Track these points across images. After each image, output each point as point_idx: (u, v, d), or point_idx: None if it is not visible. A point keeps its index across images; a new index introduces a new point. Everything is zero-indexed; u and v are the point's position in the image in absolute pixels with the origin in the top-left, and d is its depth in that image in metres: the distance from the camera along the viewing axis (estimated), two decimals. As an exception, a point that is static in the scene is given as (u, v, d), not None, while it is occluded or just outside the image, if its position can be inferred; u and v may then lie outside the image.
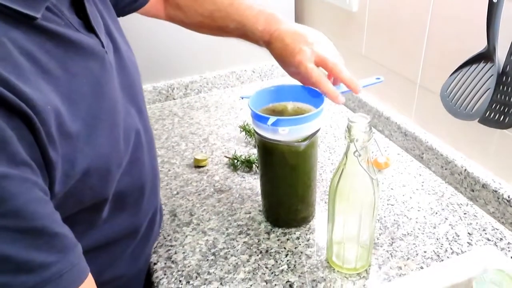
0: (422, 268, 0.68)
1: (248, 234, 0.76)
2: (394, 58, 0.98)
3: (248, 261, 0.71)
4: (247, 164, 0.93)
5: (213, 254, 0.72)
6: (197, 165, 0.96)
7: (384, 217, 0.79)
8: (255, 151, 0.99)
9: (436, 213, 0.79)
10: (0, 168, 0.36)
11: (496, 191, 0.76)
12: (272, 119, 0.63)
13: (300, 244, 0.74)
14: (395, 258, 0.70)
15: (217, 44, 1.23)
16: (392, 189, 0.86)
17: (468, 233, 0.75)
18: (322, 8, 1.24)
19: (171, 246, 0.75)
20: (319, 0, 1.24)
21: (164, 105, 1.26)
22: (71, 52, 0.46)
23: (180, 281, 0.68)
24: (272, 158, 0.71)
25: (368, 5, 1.03)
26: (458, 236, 0.74)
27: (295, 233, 0.76)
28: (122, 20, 0.66)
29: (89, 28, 0.51)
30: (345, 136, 0.57)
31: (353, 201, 0.61)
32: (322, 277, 0.67)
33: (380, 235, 0.75)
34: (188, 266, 0.70)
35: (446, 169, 0.87)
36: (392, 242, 0.73)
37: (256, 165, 0.93)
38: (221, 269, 0.69)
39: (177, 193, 0.88)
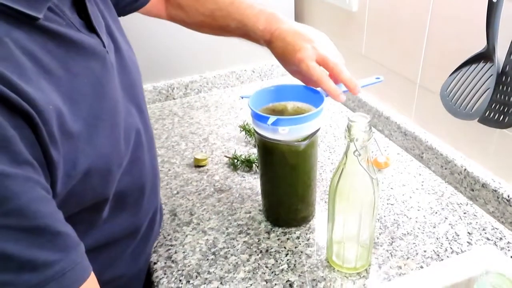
0: (422, 267, 0.68)
1: (248, 234, 0.76)
2: (394, 58, 0.98)
3: (248, 260, 0.71)
4: (247, 164, 0.93)
5: (213, 253, 0.73)
6: (197, 164, 0.96)
7: (384, 216, 0.79)
8: (255, 150, 0.99)
9: (436, 212, 0.80)
10: (3, 167, 0.36)
11: (495, 191, 0.76)
12: (272, 118, 0.63)
13: (300, 244, 0.74)
14: (395, 257, 0.70)
15: (217, 44, 1.23)
16: (392, 188, 0.86)
17: (468, 232, 0.75)
18: (322, 8, 1.24)
19: (171, 245, 0.75)
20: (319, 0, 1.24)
21: (164, 105, 1.26)
22: (73, 52, 0.47)
23: (180, 280, 0.68)
24: (272, 158, 0.71)
25: (368, 5, 1.03)
26: (458, 235, 0.74)
27: (295, 233, 0.76)
28: (122, 19, 0.66)
29: (91, 28, 0.51)
30: (345, 135, 0.57)
31: (353, 200, 0.61)
32: (322, 276, 0.68)
33: (380, 234, 0.75)
34: (188, 266, 0.71)
35: (446, 168, 0.87)
36: (392, 242, 0.73)
37: (256, 165, 0.93)
38: (221, 269, 0.69)
39: (177, 193, 0.88)
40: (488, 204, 0.79)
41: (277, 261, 0.70)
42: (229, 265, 0.70)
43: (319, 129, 0.69)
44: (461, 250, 0.71)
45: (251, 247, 0.73)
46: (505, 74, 0.67)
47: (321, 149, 1.00)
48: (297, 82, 0.75)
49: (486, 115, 0.69)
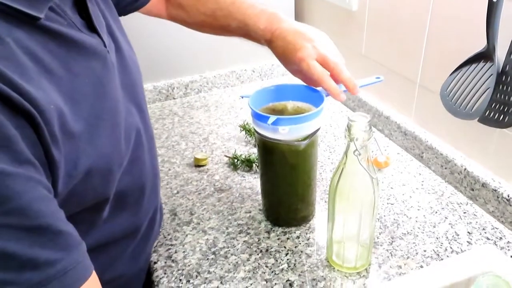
0: (422, 267, 0.68)
1: (248, 233, 0.76)
2: (394, 58, 0.99)
3: (248, 260, 0.71)
4: (247, 164, 0.93)
5: (213, 253, 0.73)
6: (197, 164, 0.96)
7: (384, 216, 0.79)
8: (255, 150, 0.99)
9: (436, 212, 0.80)
10: (4, 166, 0.36)
11: (495, 190, 0.76)
12: (272, 118, 0.63)
13: (300, 243, 0.74)
14: (395, 257, 0.70)
15: (217, 43, 1.23)
16: (392, 188, 0.86)
17: (468, 232, 0.75)
18: (322, 7, 1.24)
19: (171, 245, 0.75)
20: (319, -1, 1.24)
21: (164, 105, 1.26)
22: (74, 52, 0.47)
23: (180, 280, 0.68)
24: (272, 157, 0.71)
25: (368, 4, 1.03)
26: (458, 235, 0.74)
27: (295, 232, 0.76)
28: (122, 19, 0.66)
29: (92, 28, 0.51)
30: (345, 135, 0.57)
31: (353, 200, 0.62)
32: (322, 276, 0.68)
33: (380, 234, 0.75)
34: (188, 265, 0.71)
35: (446, 168, 0.87)
36: (392, 241, 0.73)
37: (256, 164, 0.93)
38: (221, 268, 0.70)
39: (177, 192, 0.88)
40: (488, 203, 0.79)
41: (277, 260, 0.70)
42: (229, 264, 0.70)
43: (319, 128, 0.69)
44: (461, 250, 0.71)
45: (251, 246, 0.74)
46: (505, 74, 0.67)
47: (321, 148, 1.00)
48: (297, 81, 0.75)
49: (486, 114, 0.69)
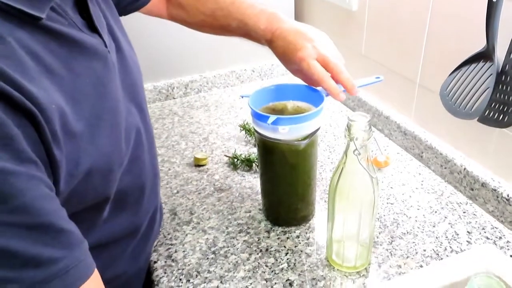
0: (421, 266, 0.69)
1: (248, 233, 0.76)
2: (393, 57, 0.99)
3: (248, 259, 0.71)
4: (247, 163, 0.93)
5: (213, 252, 0.73)
6: (197, 164, 0.96)
7: (384, 215, 0.79)
8: (255, 150, 0.99)
9: (436, 211, 0.80)
10: (7, 164, 0.36)
11: (495, 190, 0.77)
12: (272, 117, 0.63)
13: (300, 243, 0.74)
14: (395, 256, 0.70)
15: (217, 43, 1.23)
16: (391, 188, 0.87)
17: (468, 231, 0.75)
18: (322, 7, 1.24)
19: (171, 244, 0.75)
20: (319, -1, 1.24)
21: (164, 104, 1.26)
22: (75, 52, 0.47)
23: (180, 279, 0.68)
24: (272, 157, 0.71)
25: (367, 4, 1.03)
26: (458, 234, 0.74)
27: (295, 232, 0.76)
28: (122, 19, 0.66)
29: (92, 28, 0.51)
30: (345, 134, 0.58)
31: (353, 199, 0.62)
32: (322, 275, 0.68)
33: (379, 233, 0.75)
34: (188, 265, 0.71)
35: (445, 168, 0.87)
36: (392, 241, 0.73)
37: (256, 164, 0.93)
38: (221, 268, 0.70)
39: (177, 192, 0.88)
40: (488, 203, 0.79)
41: (277, 260, 0.71)
42: (229, 264, 0.70)
43: (319, 128, 0.69)
44: (461, 249, 0.71)
45: (251, 246, 0.74)
46: (504, 74, 0.67)
47: (321, 148, 1.00)
48: (297, 81, 0.75)
49: (486, 114, 0.69)
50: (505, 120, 0.66)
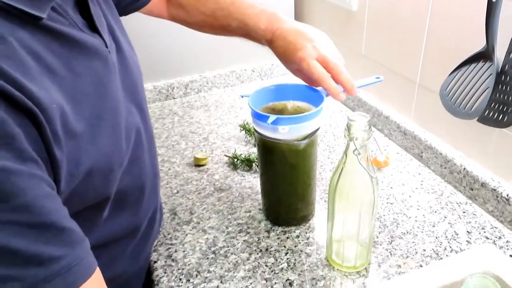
0: (421, 266, 0.69)
1: (248, 233, 0.76)
2: (393, 57, 0.99)
3: (248, 259, 0.71)
4: (247, 163, 0.93)
5: (213, 252, 0.73)
6: (197, 164, 0.96)
7: (384, 215, 0.79)
8: (255, 150, 1.00)
9: (435, 211, 0.80)
10: (8, 163, 0.36)
11: (495, 190, 0.77)
12: (272, 117, 0.63)
13: (300, 243, 0.74)
14: (395, 256, 0.70)
15: (217, 43, 1.23)
16: (391, 187, 0.87)
17: (467, 231, 0.75)
18: (322, 7, 1.25)
19: (171, 244, 0.75)
20: (319, -1, 1.24)
21: (164, 104, 1.26)
22: (76, 52, 0.47)
23: (180, 279, 0.68)
24: (272, 157, 0.71)
25: (367, 4, 1.03)
26: (457, 234, 0.74)
27: (295, 232, 0.76)
28: (122, 19, 0.66)
29: (93, 28, 0.51)
30: (344, 134, 0.58)
31: (353, 199, 0.62)
32: (322, 275, 0.68)
33: (379, 233, 0.75)
34: (188, 264, 0.71)
35: (445, 168, 0.87)
36: (392, 241, 0.74)
37: (256, 164, 0.93)
38: (221, 267, 0.70)
39: (177, 192, 0.88)
40: (487, 203, 0.79)
41: (276, 260, 0.71)
42: (229, 264, 0.70)
43: (319, 128, 0.69)
44: (460, 249, 0.71)
45: (251, 246, 0.74)
46: (504, 73, 0.67)
47: (321, 148, 1.00)
48: (297, 81, 0.75)
49: (486, 114, 0.69)
50: (505, 120, 0.66)
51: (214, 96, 1.29)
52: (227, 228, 0.78)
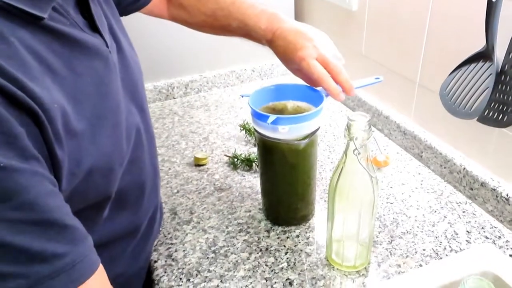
0: (421, 266, 0.69)
1: (248, 232, 0.77)
2: (393, 57, 0.99)
3: (248, 259, 0.71)
4: (247, 163, 0.94)
5: (213, 252, 0.73)
6: (197, 163, 0.96)
7: (384, 215, 0.79)
8: (255, 149, 1.00)
9: (435, 211, 0.80)
10: (12, 162, 0.37)
11: (494, 190, 0.77)
12: (272, 117, 0.63)
13: (299, 242, 0.74)
14: (394, 256, 0.71)
15: (217, 43, 1.23)
16: (391, 187, 0.87)
17: (467, 231, 0.75)
18: (322, 7, 1.25)
19: (172, 244, 0.75)
20: (319, -1, 1.24)
21: (164, 104, 1.26)
22: (77, 51, 0.47)
23: (180, 278, 0.68)
24: (272, 157, 0.72)
25: (367, 4, 1.03)
26: (457, 234, 0.75)
27: (294, 231, 0.76)
28: (122, 19, 0.66)
29: (94, 28, 0.51)
30: (344, 134, 0.58)
31: (353, 199, 0.62)
32: (322, 274, 0.68)
33: (379, 233, 0.75)
34: (189, 264, 0.71)
35: (445, 167, 0.87)
36: (391, 240, 0.74)
37: (256, 164, 0.93)
38: (221, 267, 0.70)
39: (177, 192, 0.88)
40: (487, 203, 0.79)
41: (276, 259, 0.71)
42: (229, 263, 0.70)
43: (318, 128, 0.69)
44: (460, 249, 0.72)
45: (251, 245, 0.74)
46: (504, 73, 0.67)
47: (321, 148, 1.01)
48: (297, 81, 0.75)
49: (485, 114, 0.69)
50: (505, 119, 0.66)
51: (214, 96, 1.30)
52: (227, 227, 0.78)
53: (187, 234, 0.77)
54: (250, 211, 0.81)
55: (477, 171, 0.81)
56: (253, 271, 0.69)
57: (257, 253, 0.72)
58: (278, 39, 0.70)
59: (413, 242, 0.73)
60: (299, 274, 0.68)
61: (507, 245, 0.72)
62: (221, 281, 0.67)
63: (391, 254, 0.71)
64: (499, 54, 0.68)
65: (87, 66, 0.48)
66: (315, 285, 0.66)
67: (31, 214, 0.38)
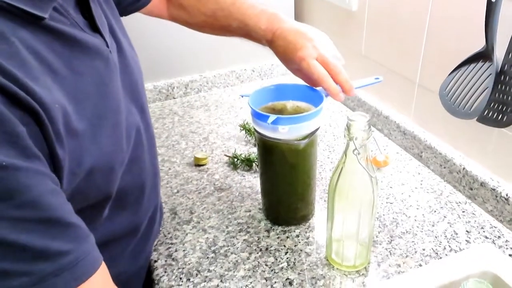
0: (420, 265, 0.69)
1: (248, 232, 0.77)
2: (393, 57, 0.99)
3: (248, 258, 0.71)
4: (247, 163, 0.94)
5: (213, 251, 0.73)
6: (197, 163, 0.96)
7: (383, 215, 0.79)
8: (255, 149, 1.00)
9: (435, 211, 0.80)
10: (14, 161, 0.37)
11: (494, 189, 0.77)
12: (272, 117, 0.64)
13: (299, 242, 0.74)
14: (394, 255, 0.71)
15: (217, 43, 1.23)
16: (391, 187, 0.87)
17: (467, 231, 0.75)
18: (321, 7, 1.25)
19: (172, 244, 0.75)
20: (319, -1, 1.24)
21: (164, 104, 1.27)
22: (77, 51, 0.47)
23: (180, 278, 0.69)
24: (272, 157, 0.72)
25: (367, 4, 1.03)
26: (457, 234, 0.75)
27: (294, 231, 0.76)
28: (122, 19, 0.66)
29: (94, 28, 0.51)
30: (344, 134, 0.58)
31: (352, 199, 0.62)
32: (322, 274, 0.68)
33: (379, 233, 0.75)
34: (189, 264, 0.71)
35: (444, 167, 0.87)
36: (391, 240, 0.74)
37: (256, 164, 0.93)
38: (221, 267, 0.70)
39: (178, 192, 0.88)
40: (487, 202, 0.79)
41: (276, 259, 0.71)
42: (229, 263, 0.71)
43: (318, 128, 0.69)
44: (460, 249, 0.72)
45: (251, 245, 0.74)
46: (503, 73, 0.67)
47: (321, 148, 1.01)
48: (297, 81, 0.75)
49: (485, 114, 0.69)
50: (504, 119, 0.66)
51: (214, 96, 1.30)
52: (227, 227, 0.78)
53: (187, 234, 0.77)
54: (250, 211, 0.81)
55: (477, 171, 0.81)
56: (253, 271, 0.69)
57: (257, 253, 0.72)
58: (278, 39, 0.70)
59: (412, 242, 0.73)
60: (299, 274, 0.68)
61: (506, 245, 0.72)
62: (221, 281, 0.67)
63: (390, 254, 0.71)
64: (499, 54, 0.68)
65: (88, 66, 0.48)
66: (315, 285, 0.66)
67: (34, 212, 0.38)
